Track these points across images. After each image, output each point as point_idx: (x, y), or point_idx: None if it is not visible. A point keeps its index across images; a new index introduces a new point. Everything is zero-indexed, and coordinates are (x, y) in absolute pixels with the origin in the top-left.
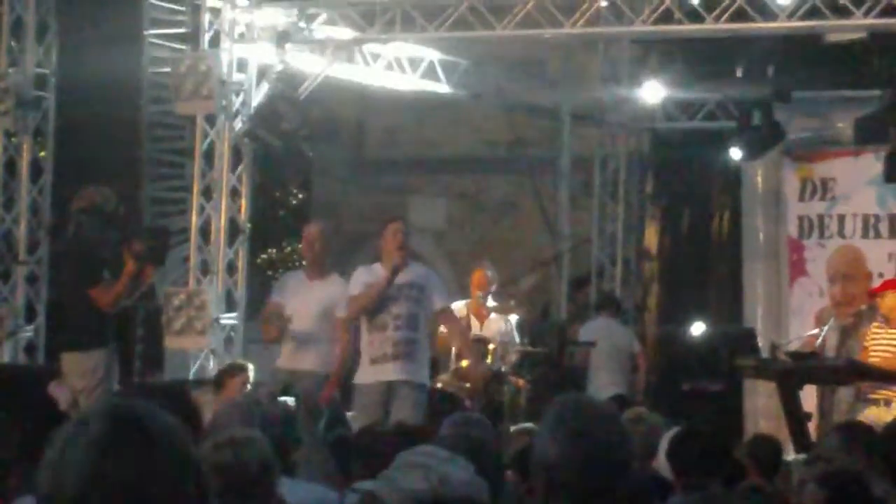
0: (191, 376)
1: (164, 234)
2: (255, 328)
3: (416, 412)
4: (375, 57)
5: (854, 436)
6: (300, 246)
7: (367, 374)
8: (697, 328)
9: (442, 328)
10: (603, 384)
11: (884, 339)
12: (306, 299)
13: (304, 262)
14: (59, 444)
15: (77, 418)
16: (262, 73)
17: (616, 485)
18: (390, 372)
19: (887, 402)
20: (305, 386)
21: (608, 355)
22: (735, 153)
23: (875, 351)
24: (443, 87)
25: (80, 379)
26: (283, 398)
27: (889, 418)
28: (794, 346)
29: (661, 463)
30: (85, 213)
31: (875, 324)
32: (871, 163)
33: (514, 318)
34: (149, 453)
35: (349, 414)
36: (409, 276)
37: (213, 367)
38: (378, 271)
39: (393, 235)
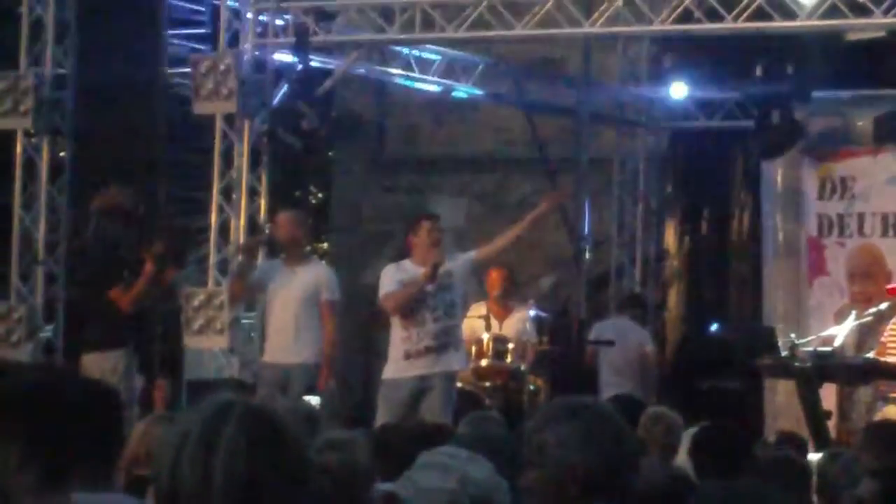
0: (211, 376)
1: (185, 234)
2: None
3: (445, 410)
4: (395, 56)
5: (883, 434)
6: (320, 245)
7: (398, 369)
8: (717, 327)
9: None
10: (611, 382)
11: None
12: (290, 286)
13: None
14: (185, 443)
15: (201, 418)
16: (282, 73)
17: (635, 482)
18: (427, 365)
19: None
20: (297, 381)
21: (617, 354)
22: (755, 152)
23: (890, 348)
24: (462, 87)
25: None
26: (307, 397)
27: None
28: (813, 344)
29: (681, 460)
30: (105, 213)
31: (894, 321)
32: (891, 161)
33: (532, 315)
34: (281, 454)
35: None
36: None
37: (233, 366)
38: (409, 268)
39: (428, 233)
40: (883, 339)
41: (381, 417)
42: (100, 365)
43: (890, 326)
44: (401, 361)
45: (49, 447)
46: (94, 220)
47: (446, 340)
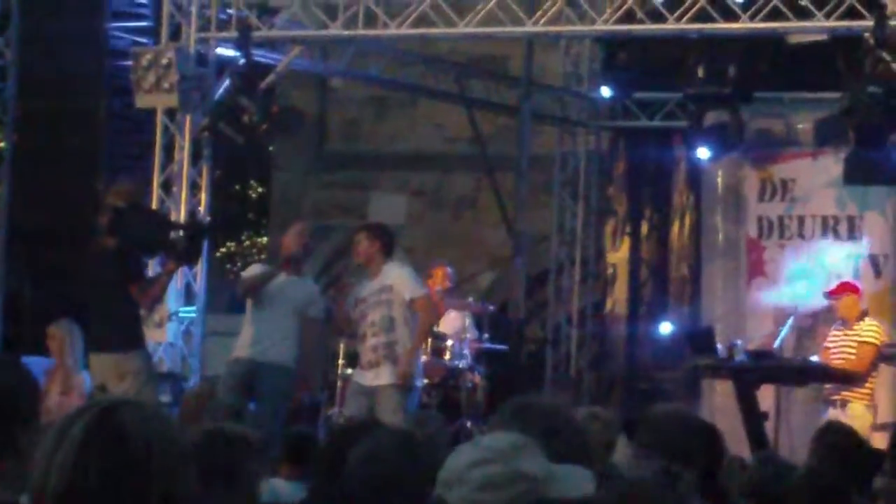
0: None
1: (200, 229)
2: (214, 321)
3: (395, 415)
4: (337, 52)
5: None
6: (260, 240)
7: (360, 376)
8: (656, 327)
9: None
10: None
11: (842, 340)
12: (283, 292)
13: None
14: (47, 443)
15: (64, 419)
16: (224, 67)
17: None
18: (374, 377)
19: (843, 404)
20: (269, 379)
21: None
22: (696, 153)
23: (834, 352)
24: (404, 83)
25: (119, 381)
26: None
27: (845, 420)
28: (751, 345)
29: (617, 458)
30: (130, 209)
31: (835, 325)
32: (831, 164)
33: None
34: (123, 450)
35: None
36: (381, 280)
37: (172, 359)
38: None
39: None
40: (826, 343)
41: (348, 411)
42: (121, 366)
43: (832, 331)
44: (358, 368)
45: None
46: (127, 216)
47: (387, 353)
